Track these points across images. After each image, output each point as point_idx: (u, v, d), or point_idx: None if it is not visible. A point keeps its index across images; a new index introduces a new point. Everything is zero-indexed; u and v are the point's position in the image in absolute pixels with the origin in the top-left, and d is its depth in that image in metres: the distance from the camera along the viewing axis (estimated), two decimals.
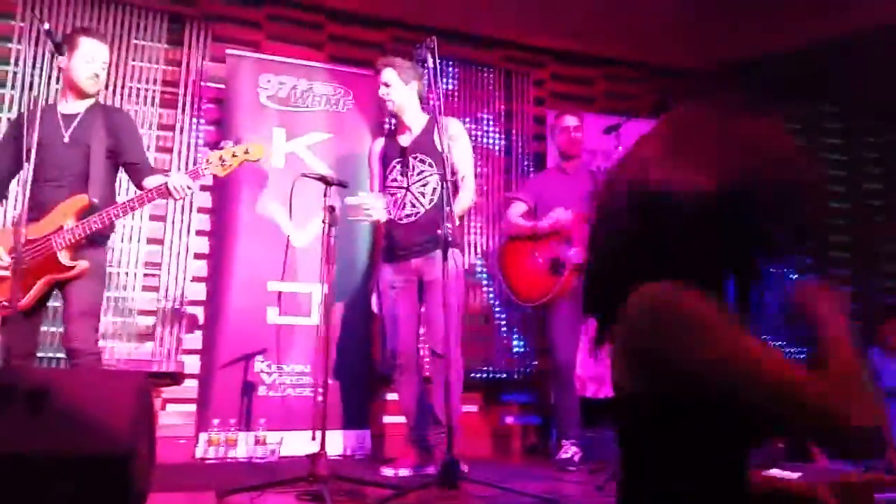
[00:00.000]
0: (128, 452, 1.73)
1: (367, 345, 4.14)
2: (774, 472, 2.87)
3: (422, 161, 3.19)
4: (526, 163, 4.90)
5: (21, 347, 2.58)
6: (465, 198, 3.21)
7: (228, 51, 4.27)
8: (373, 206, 3.05)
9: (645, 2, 4.47)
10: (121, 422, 1.77)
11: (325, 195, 2.91)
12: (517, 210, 3.68)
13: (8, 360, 2.45)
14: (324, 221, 2.84)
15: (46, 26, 2.56)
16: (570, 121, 3.72)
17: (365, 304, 4.11)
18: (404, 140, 3.30)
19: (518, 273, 3.53)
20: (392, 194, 3.25)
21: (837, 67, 5.08)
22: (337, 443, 3.75)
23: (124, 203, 2.67)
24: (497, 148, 4.88)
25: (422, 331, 3.36)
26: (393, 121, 3.57)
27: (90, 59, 2.74)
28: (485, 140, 4.85)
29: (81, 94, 2.80)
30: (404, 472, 2.96)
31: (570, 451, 3.31)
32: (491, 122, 4.89)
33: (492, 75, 4.95)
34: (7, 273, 2.57)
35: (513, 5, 4.57)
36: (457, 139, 3.24)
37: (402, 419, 3.27)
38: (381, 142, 3.46)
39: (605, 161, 4.25)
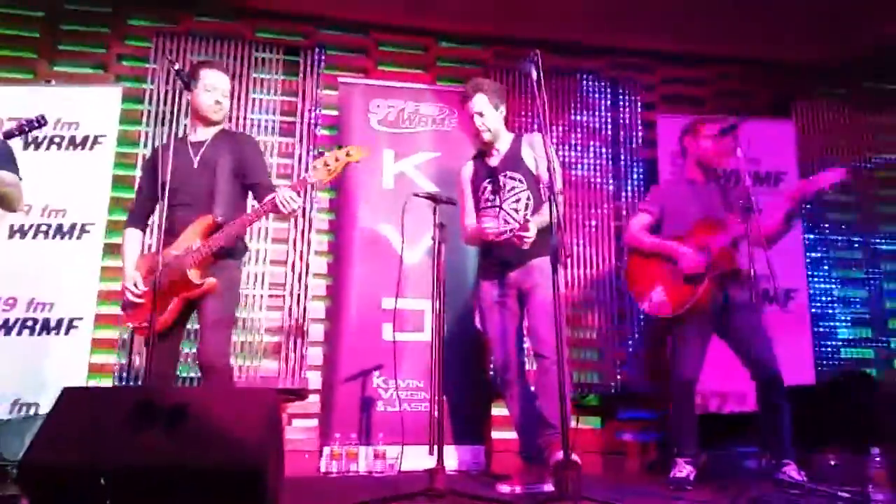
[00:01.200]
0: (259, 466, 1.81)
1: (480, 359, 4.18)
2: None
3: (511, 178, 3.18)
4: (636, 171, 4.80)
5: (161, 368, 2.71)
6: (549, 209, 3.11)
7: (340, 79, 4.47)
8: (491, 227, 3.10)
9: None
10: (252, 437, 1.85)
11: (434, 213, 2.97)
12: (641, 221, 3.47)
13: (148, 380, 2.56)
14: (433, 239, 2.88)
15: (177, 66, 2.76)
16: (714, 129, 3.32)
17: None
18: (493, 160, 3.29)
19: (651, 284, 3.34)
20: (486, 214, 3.24)
21: None
22: (452, 457, 3.80)
23: (241, 219, 2.75)
24: (603, 158, 4.80)
25: (526, 344, 3.31)
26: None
27: (211, 88, 2.90)
28: (590, 151, 4.78)
29: (208, 123, 2.95)
30: (519, 488, 2.94)
31: (684, 469, 3.14)
32: (597, 131, 4.81)
33: (598, 83, 4.88)
34: (142, 298, 2.76)
35: (612, 11, 4.50)
36: (541, 153, 3.17)
37: (514, 435, 3.24)
38: (469, 166, 3.43)
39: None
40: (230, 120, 4.31)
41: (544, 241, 2.90)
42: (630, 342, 4.52)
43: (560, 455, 2.39)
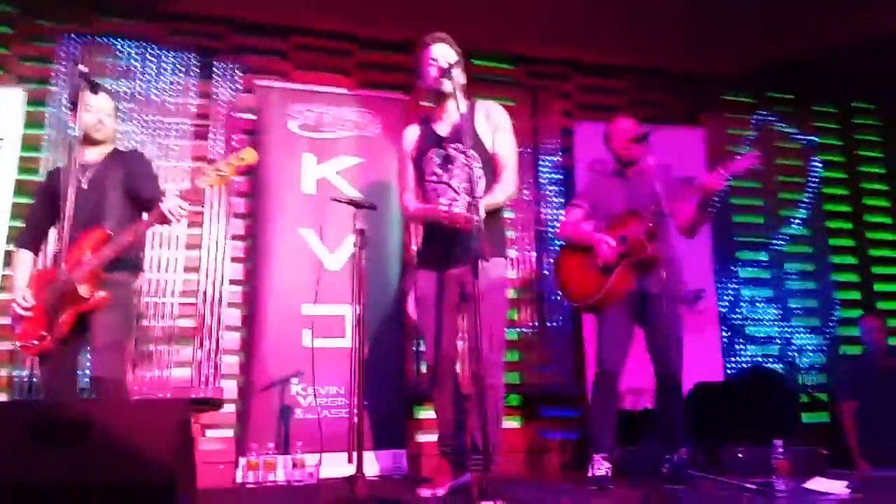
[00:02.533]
0: (169, 480, 1.76)
1: (400, 363, 4.18)
2: (818, 480, 2.82)
3: (462, 151, 2.83)
4: (553, 176, 4.91)
5: (59, 382, 2.67)
6: (503, 191, 2.94)
7: (257, 81, 4.38)
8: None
9: (663, 9, 4.48)
10: (161, 450, 1.80)
11: (355, 218, 2.95)
12: (574, 216, 3.52)
13: (49, 395, 2.55)
14: (355, 244, 2.87)
15: (83, 69, 2.65)
16: (625, 123, 3.49)
17: (396, 323, 4.16)
18: (442, 128, 3.03)
19: (571, 275, 3.41)
20: (433, 190, 2.99)
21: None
22: (373, 463, 3.77)
23: (129, 229, 2.69)
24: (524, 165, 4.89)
25: (459, 344, 3.28)
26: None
27: (93, 109, 2.84)
28: None
29: (93, 142, 2.91)
30: (441, 491, 2.94)
31: (602, 466, 3.21)
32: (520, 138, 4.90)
33: (517, 91, 4.97)
34: (30, 312, 2.70)
35: (531, 20, 4.61)
36: (501, 128, 3.02)
37: (435, 437, 3.24)
38: (413, 130, 3.14)
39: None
40: (142, 124, 4.18)
41: (495, 234, 2.80)
42: (551, 342, 4.61)
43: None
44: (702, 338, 4.57)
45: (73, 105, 2.73)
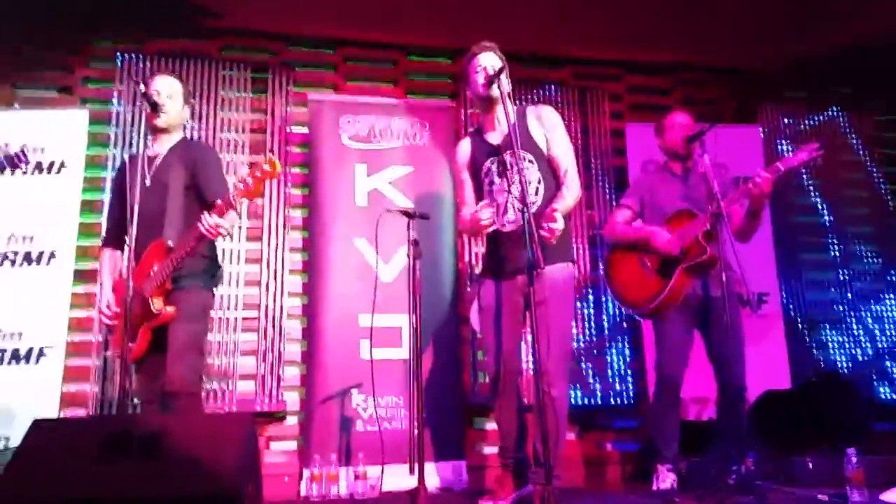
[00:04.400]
0: (236, 492, 1.78)
1: (457, 374, 4.16)
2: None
3: (519, 157, 2.69)
4: (605, 179, 4.84)
5: (142, 396, 2.74)
6: (571, 194, 2.88)
7: (310, 95, 4.45)
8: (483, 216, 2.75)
9: (714, 3, 4.37)
10: (229, 462, 1.83)
11: (408, 228, 2.95)
12: (622, 216, 3.45)
13: (129, 407, 2.59)
14: (408, 255, 2.86)
15: (143, 88, 2.72)
16: (681, 118, 3.43)
17: (452, 332, 4.16)
18: (493, 137, 2.97)
19: (626, 280, 3.32)
20: (493, 199, 2.93)
21: None
22: (434, 475, 3.76)
23: (184, 241, 2.65)
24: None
25: (526, 357, 3.20)
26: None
27: (155, 94, 2.82)
28: None
29: (157, 131, 2.86)
30: (503, 503, 2.91)
31: (667, 478, 3.13)
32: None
33: (565, 94, 4.92)
34: (114, 320, 2.73)
35: (578, 22, 4.56)
36: (554, 129, 2.97)
37: (496, 449, 3.20)
38: (465, 144, 3.10)
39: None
40: (200, 137, 4.27)
41: (563, 240, 2.71)
42: (609, 351, 4.52)
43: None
44: (766, 343, 4.42)
45: (152, 107, 2.72)
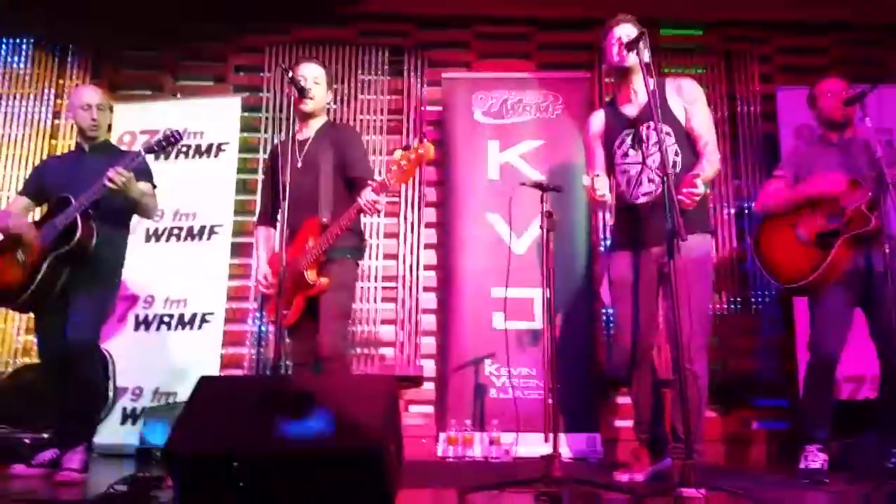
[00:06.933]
0: (380, 447, 1.89)
1: (590, 347, 4.14)
2: None
3: (656, 130, 2.52)
4: (753, 146, 4.57)
5: (298, 356, 2.95)
6: (711, 166, 2.80)
7: (444, 74, 4.55)
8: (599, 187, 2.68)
9: None
10: (373, 420, 1.94)
11: (541, 201, 2.95)
12: (775, 186, 3.27)
13: (294, 364, 2.89)
14: (542, 227, 2.87)
15: (291, 74, 2.89)
16: (834, 84, 3.21)
17: (585, 306, 4.13)
18: (630, 109, 2.92)
19: (778, 252, 3.12)
20: (624, 172, 2.90)
21: None
22: (566, 445, 3.78)
23: (338, 223, 2.79)
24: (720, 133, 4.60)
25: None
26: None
27: (301, 79, 2.91)
28: None
29: (306, 117, 3.01)
30: (639, 476, 2.88)
31: (817, 458, 2.95)
32: (714, 107, 4.60)
33: (709, 58, 4.68)
34: (271, 290, 2.93)
35: None
36: (695, 102, 2.89)
37: (630, 423, 3.16)
38: (599, 116, 3.06)
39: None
40: (342, 120, 4.49)
41: (697, 209, 2.64)
42: (756, 325, 4.31)
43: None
44: None
45: (300, 92, 2.84)
